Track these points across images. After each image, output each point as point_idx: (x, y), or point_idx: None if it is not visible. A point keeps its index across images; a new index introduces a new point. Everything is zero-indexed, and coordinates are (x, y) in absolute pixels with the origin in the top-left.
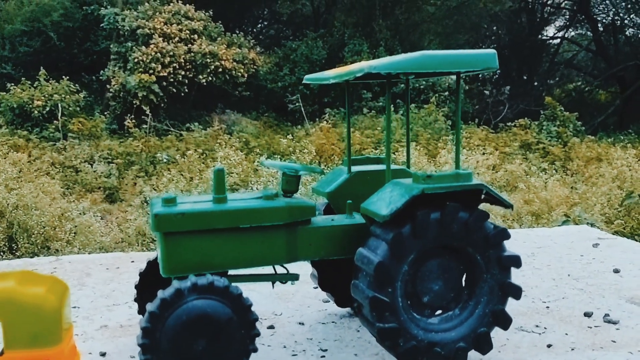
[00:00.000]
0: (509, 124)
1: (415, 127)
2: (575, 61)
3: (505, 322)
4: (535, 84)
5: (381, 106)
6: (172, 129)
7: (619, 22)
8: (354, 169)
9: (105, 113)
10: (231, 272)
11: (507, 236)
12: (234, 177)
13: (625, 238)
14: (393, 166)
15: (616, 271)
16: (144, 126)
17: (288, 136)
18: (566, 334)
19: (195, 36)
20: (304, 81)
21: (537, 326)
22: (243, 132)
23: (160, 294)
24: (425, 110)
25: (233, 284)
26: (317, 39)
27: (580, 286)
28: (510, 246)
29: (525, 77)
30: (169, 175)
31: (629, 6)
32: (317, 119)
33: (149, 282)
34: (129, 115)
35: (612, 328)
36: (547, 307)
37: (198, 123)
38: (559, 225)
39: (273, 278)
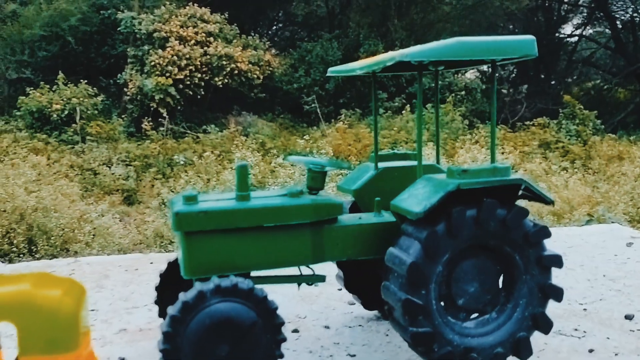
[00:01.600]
0: (527, 123)
1: (432, 126)
2: (593, 59)
3: (546, 326)
4: (553, 82)
5: (397, 106)
6: (188, 132)
7: (638, 19)
8: (381, 165)
9: (123, 116)
10: (254, 273)
11: (548, 234)
12: (251, 178)
13: None
14: (423, 162)
15: None
16: (161, 129)
17: (305, 137)
18: (608, 338)
19: (211, 39)
20: (328, 73)
21: (576, 329)
22: (259, 133)
23: (182, 296)
24: (442, 110)
25: (257, 286)
26: (332, 40)
27: (618, 287)
28: None
29: (542, 76)
30: (186, 177)
31: None
32: (332, 120)
33: (169, 284)
34: (146, 118)
35: None
36: (585, 309)
37: (214, 125)
38: (582, 225)
39: (299, 280)
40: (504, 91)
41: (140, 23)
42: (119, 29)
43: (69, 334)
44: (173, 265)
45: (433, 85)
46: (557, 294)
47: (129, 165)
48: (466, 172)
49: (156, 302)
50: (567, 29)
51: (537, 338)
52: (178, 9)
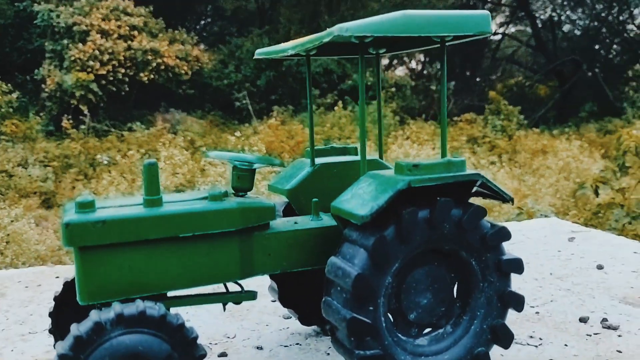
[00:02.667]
0: (455, 118)
1: (367, 121)
2: (515, 57)
3: (506, 338)
4: (478, 79)
5: (329, 103)
6: (112, 129)
7: (556, 18)
8: (318, 161)
9: (41, 114)
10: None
11: (508, 236)
12: (179, 178)
13: (599, 230)
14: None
15: (600, 267)
16: (83, 127)
17: (236, 133)
18: (566, 345)
19: (135, 32)
20: (255, 56)
21: (531, 337)
22: (188, 131)
23: (74, 329)
24: (373, 106)
25: (172, 310)
26: (262, 35)
27: (567, 286)
28: None
29: (468, 73)
30: (110, 178)
31: (565, 3)
32: (264, 117)
33: (67, 309)
34: (66, 115)
35: (614, 335)
36: (537, 312)
37: (140, 123)
38: (513, 218)
39: (224, 298)
40: (432, 87)
41: (58, 16)
42: (35, 22)
43: None
44: (70, 286)
45: (371, 78)
46: (518, 302)
47: (47, 165)
48: (417, 167)
49: (51, 332)
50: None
51: (492, 350)
52: (99, 1)
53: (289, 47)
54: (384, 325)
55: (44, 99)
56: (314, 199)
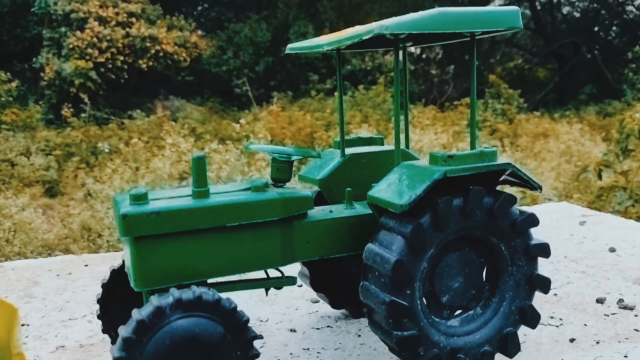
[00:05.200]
0: (455, 102)
1: (365, 108)
2: (515, 40)
3: (534, 319)
4: (477, 63)
5: (328, 89)
6: (112, 117)
7: (555, 0)
8: (348, 151)
9: (40, 103)
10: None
11: (536, 222)
12: (183, 165)
13: (608, 214)
14: (393, 147)
15: (612, 250)
16: (83, 115)
17: (241, 120)
18: (585, 325)
19: (134, 19)
20: (287, 51)
21: (552, 317)
22: (188, 118)
23: (136, 314)
24: (373, 91)
25: (223, 296)
26: (260, 20)
27: (581, 269)
28: None
29: (467, 57)
30: (113, 166)
31: None
32: (264, 103)
33: (114, 295)
34: (66, 104)
35: (630, 315)
36: (555, 294)
37: (140, 110)
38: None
39: (267, 284)
40: (433, 72)
41: (55, 3)
42: (32, 9)
43: None
44: (117, 274)
45: (364, 67)
46: (545, 284)
47: (49, 154)
48: (452, 158)
49: (99, 317)
50: None
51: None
52: None
53: (324, 42)
54: (419, 307)
55: (43, 87)
56: (348, 189)
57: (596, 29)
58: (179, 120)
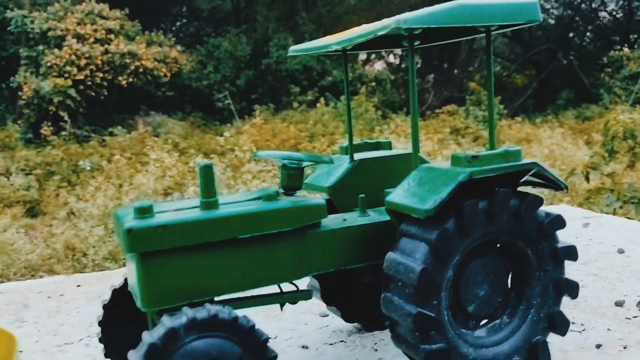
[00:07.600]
0: (436, 110)
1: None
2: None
3: (563, 326)
4: (456, 71)
5: (310, 100)
6: (93, 135)
7: None
8: (356, 156)
9: (19, 122)
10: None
11: (563, 224)
12: (168, 180)
13: (610, 215)
14: (403, 151)
15: (621, 251)
16: (63, 133)
17: (225, 133)
18: (609, 330)
19: (112, 36)
20: (290, 53)
21: (572, 323)
22: (170, 133)
23: (147, 337)
24: (355, 101)
25: (240, 313)
26: (240, 34)
27: (593, 271)
28: None
29: (446, 65)
30: (96, 184)
31: None
32: (246, 116)
33: (117, 316)
34: (45, 122)
35: None
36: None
37: (121, 127)
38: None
39: (282, 299)
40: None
41: (32, 22)
42: (9, 28)
43: None
44: (119, 293)
45: (344, 77)
46: (573, 289)
47: (30, 174)
48: (477, 159)
49: (100, 340)
50: None
51: None
52: (74, 6)
53: (333, 42)
54: (446, 318)
55: (22, 106)
56: (361, 195)
57: (571, 35)
58: (161, 136)
